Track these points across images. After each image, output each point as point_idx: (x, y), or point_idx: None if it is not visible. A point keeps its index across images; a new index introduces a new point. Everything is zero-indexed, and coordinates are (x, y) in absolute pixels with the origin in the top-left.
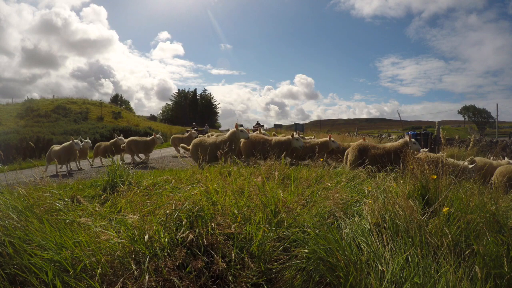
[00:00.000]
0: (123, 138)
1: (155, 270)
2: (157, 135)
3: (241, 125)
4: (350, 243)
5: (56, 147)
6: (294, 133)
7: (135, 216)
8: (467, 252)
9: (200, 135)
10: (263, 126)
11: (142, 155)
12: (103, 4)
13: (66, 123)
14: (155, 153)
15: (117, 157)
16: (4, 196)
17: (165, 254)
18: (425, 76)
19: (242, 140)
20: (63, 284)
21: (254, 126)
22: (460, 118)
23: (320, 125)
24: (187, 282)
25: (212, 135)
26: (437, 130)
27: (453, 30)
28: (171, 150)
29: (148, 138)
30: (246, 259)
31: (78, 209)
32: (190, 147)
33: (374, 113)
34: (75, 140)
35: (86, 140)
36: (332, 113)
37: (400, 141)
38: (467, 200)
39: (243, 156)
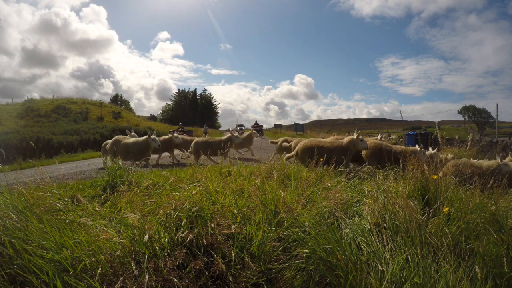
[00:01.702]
0: (179, 136)
1: (155, 270)
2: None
3: (242, 125)
4: (350, 243)
5: (125, 139)
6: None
7: (135, 216)
8: (467, 252)
9: (185, 136)
10: (262, 126)
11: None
12: (103, 4)
13: (66, 123)
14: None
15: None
16: (4, 196)
17: (165, 254)
18: (425, 76)
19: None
20: (63, 284)
21: (252, 126)
22: (460, 118)
23: (320, 125)
24: (187, 282)
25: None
26: (437, 130)
27: (453, 30)
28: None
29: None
30: (246, 259)
31: (78, 209)
32: (301, 146)
33: (374, 113)
34: (152, 136)
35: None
36: (332, 113)
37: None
38: (467, 200)
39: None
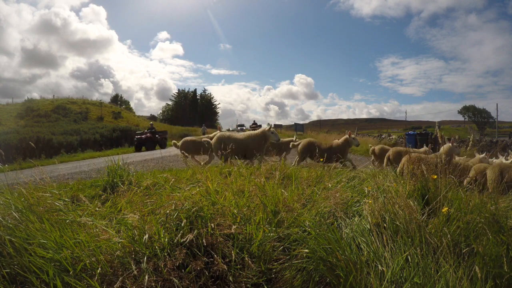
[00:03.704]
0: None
1: (155, 270)
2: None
3: (242, 125)
4: (350, 243)
5: (232, 134)
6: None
7: (135, 216)
8: (466, 251)
9: (147, 135)
10: (260, 126)
11: None
12: (103, 4)
13: (66, 123)
14: (155, 153)
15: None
16: (4, 196)
17: (165, 254)
18: (425, 76)
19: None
20: (63, 283)
21: (251, 126)
22: (460, 118)
23: (320, 125)
24: (187, 282)
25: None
26: (436, 130)
27: (452, 30)
28: (172, 150)
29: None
30: (246, 259)
31: (78, 209)
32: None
33: (374, 113)
34: (272, 129)
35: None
36: (332, 113)
37: None
38: (467, 200)
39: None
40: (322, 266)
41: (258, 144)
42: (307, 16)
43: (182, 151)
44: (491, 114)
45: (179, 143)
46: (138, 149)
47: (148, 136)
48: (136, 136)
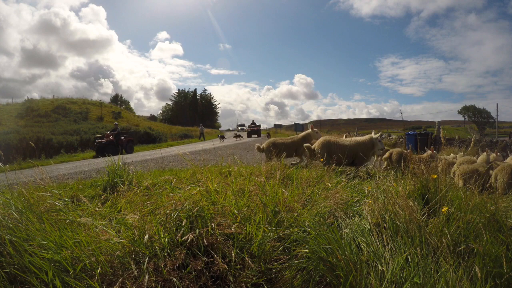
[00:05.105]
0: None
1: (155, 270)
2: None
3: (243, 125)
4: (350, 243)
5: (337, 139)
6: None
7: (135, 216)
8: (466, 252)
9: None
10: (259, 126)
11: None
12: (102, 4)
13: (66, 123)
14: (155, 153)
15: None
16: (4, 196)
17: (165, 254)
18: (425, 76)
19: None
20: (63, 284)
21: (249, 126)
22: (460, 118)
23: (320, 125)
24: (187, 282)
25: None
26: (437, 130)
27: (452, 30)
28: (172, 150)
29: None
30: (246, 259)
31: (79, 209)
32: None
33: (374, 113)
34: (376, 135)
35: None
36: (332, 113)
37: None
38: (467, 200)
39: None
40: (322, 266)
41: (366, 151)
42: (306, 16)
43: (267, 153)
44: (491, 114)
45: (264, 145)
46: (99, 154)
47: (109, 140)
48: (96, 140)
